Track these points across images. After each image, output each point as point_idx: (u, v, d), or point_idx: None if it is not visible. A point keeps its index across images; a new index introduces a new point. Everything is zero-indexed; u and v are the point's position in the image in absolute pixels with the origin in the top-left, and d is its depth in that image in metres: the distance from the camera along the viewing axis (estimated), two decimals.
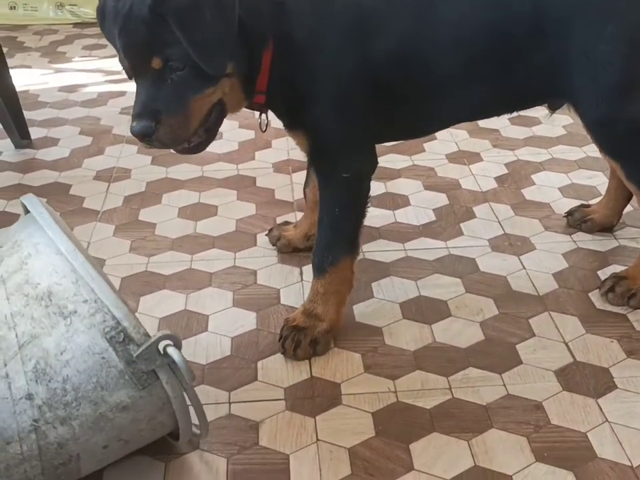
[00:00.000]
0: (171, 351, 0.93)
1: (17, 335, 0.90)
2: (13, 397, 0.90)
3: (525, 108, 1.59)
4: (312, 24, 1.33)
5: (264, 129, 1.44)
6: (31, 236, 0.98)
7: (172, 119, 1.24)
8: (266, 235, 1.76)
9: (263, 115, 1.43)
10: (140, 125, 1.24)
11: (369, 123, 1.39)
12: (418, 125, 1.51)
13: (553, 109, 1.56)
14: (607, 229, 1.75)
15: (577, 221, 1.77)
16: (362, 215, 1.44)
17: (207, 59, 1.20)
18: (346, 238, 1.42)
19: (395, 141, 1.64)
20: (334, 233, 1.42)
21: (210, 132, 1.32)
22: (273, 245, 1.73)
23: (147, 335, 0.94)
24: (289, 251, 1.70)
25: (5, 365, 0.90)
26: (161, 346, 0.93)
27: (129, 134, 2.26)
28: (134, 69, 1.26)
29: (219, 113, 1.31)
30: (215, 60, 1.22)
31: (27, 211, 1.11)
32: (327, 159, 1.39)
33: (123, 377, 0.94)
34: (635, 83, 1.39)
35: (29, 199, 1.09)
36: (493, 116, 1.59)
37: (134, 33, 1.22)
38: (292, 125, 1.40)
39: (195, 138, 1.30)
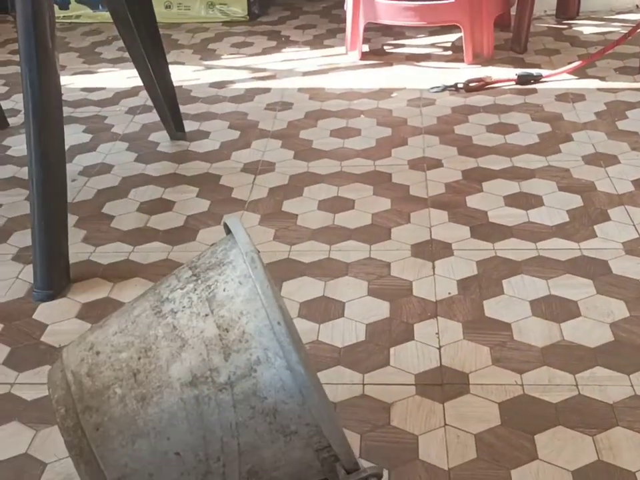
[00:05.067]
0: None
1: (239, 444, 0.96)
2: None
3: None
4: None
5: None
6: (261, 334, 0.98)
7: None
8: None
9: None
10: None
11: None
12: None
13: None
14: None
15: None
16: None
17: None
18: None
19: None
20: None
21: None
22: None
23: (357, 465, 1.01)
24: None
25: (224, 466, 0.98)
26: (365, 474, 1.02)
27: (274, 129, 2.41)
28: None
29: None
30: None
31: (228, 229, 1.10)
32: None
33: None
34: None
35: (243, 242, 1.03)
36: None
37: None
38: None
39: None
